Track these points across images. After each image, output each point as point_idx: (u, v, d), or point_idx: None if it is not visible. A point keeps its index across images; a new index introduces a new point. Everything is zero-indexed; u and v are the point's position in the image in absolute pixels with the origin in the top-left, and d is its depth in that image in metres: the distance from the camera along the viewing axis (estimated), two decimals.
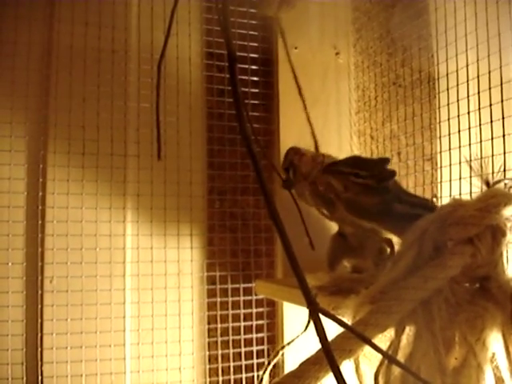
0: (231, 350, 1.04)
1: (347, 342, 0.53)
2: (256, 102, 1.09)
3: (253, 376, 1.05)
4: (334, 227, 0.91)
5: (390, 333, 0.59)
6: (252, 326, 1.06)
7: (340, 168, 0.81)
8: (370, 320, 0.56)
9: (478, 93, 0.80)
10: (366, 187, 0.78)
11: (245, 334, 1.05)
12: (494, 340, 0.56)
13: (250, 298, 1.06)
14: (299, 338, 1.00)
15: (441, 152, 0.91)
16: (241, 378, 1.04)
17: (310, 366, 0.53)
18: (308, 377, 0.52)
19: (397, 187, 0.81)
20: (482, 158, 0.72)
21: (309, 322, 0.42)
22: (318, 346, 0.43)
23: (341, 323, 0.46)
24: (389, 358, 0.56)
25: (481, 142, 0.79)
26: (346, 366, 0.56)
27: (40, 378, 0.92)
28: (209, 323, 1.04)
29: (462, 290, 0.60)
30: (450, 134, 0.87)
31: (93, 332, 0.95)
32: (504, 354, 0.57)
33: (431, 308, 0.57)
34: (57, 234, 0.95)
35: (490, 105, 0.77)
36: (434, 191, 0.97)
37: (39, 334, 0.93)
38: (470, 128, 0.82)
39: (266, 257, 1.08)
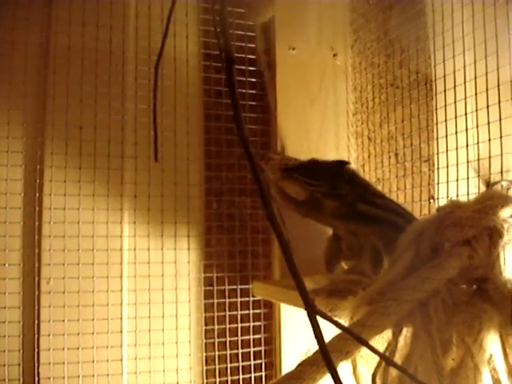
0: (228, 352, 1.04)
1: (344, 344, 0.53)
2: (253, 103, 1.09)
3: (250, 377, 1.04)
4: (330, 229, 0.91)
5: (387, 334, 0.59)
6: (249, 327, 1.06)
7: (294, 174, 0.83)
8: (368, 321, 0.56)
9: (476, 94, 0.80)
10: (323, 193, 0.81)
11: (242, 335, 1.05)
12: (492, 341, 0.56)
13: (247, 299, 1.06)
14: (297, 339, 1.01)
15: (438, 153, 0.92)
16: (238, 380, 1.04)
17: (307, 368, 0.53)
18: (305, 378, 0.52)
19: (364, 186, 0.83)
20: (479, 159, 0.72)
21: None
22: (316, 347, 0.43)
23: (338, 325, 0.46)
24: (386, 359, 0.56)
25: (478, 143, 0.80)
26: (344, 368, 0.56)
27: (37, 379, 0.92)
28: (206, 324, 1.04)
29: (459, 292, 0.60)
30: (447, 136, 0.87)
31: (90, 333, 0.95)
32: (501, 355, 0.57)
33: (428, 309, 0.57)
34: (54, 235, 0.95)
35: (488, 106, 0.77)
36: (431, 192, 0.97)
37: (36, 336, 0.93)
38: (467, 129, 0.82)
39: (264, 258, 1.08)
